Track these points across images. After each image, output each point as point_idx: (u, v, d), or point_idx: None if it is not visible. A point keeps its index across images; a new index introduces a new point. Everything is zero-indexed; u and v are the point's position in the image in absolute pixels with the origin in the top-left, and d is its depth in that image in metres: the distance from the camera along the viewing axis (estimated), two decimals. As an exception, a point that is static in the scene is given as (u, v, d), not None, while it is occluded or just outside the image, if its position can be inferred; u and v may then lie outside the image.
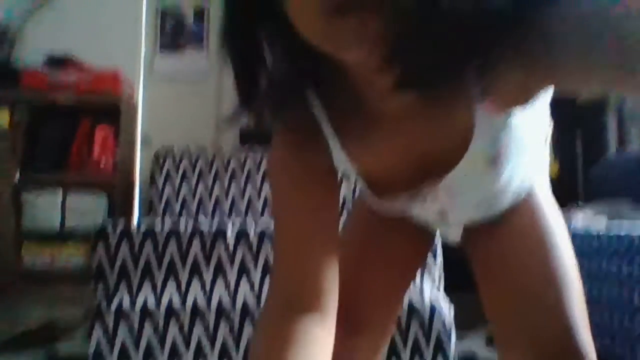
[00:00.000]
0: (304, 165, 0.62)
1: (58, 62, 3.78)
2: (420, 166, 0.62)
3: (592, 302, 1.78)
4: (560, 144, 3.39)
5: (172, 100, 4.19)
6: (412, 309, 1.55)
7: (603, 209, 2.25)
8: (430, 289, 1.59)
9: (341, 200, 2.16)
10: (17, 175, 3.52)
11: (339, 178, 0.68)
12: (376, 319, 0.79)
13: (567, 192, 3.34)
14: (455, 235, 0.79)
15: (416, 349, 1.53)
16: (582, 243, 1.84)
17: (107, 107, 3.69)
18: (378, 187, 0.67)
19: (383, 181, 0.66)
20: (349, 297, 0.67)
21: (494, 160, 0.60)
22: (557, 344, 0.64)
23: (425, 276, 1.60)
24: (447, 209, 0.69)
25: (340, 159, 0.63)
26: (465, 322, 1.83)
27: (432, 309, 1.56)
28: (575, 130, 3.49)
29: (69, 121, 3.78)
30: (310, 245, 0.62)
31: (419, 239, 0.83)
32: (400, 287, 0.83)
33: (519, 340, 0.67)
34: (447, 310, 1.57)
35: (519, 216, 0.72)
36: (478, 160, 0.59)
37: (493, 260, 0.74)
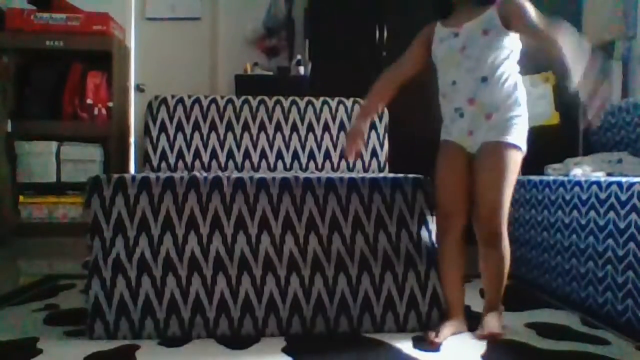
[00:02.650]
0: (421, 38, 1.68)
1: (43, 1, 3.60)
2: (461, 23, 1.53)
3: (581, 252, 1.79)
4: (562, 93, 3.33)
5: (165, 45, 4.06)
6: (409, 262, 1.56)
7: (601, 165, 2.22)
8: (427, 241, 1.59)
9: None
10: (9, 124, 3.46)
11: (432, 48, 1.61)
12: (458, 208, 1.53)
13: (566, 143, 3.32)
14: (473, 148, 1.51)
15: (412, 302, 1.55)
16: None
17: (98, 52, 3.58)
18: (448, 25, 1.57)
19: (452, 24, 1.56)
20: (443, 198, 1.55)
21: (486, 31, 1.47)
22: (488, 213, 1.47)
23: (423, 230, 1.60)
24: (465, 45, 1.51)
25: (441, 30, 1.58)
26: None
27: (429, 263, 1.57)
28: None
29: (59, 67, 3.67)
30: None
31: (468, 161, 1.54)
32: (467, 191, 1.53)
33: (475, 211, 1.51)
34: (443, 263, 1.58)
35: (494, 152, 1.47)
36: (479, 25, 1.48)
37: (477, 172, 1.50)
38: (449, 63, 1.53)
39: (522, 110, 1.50)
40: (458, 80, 1.51)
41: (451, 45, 1.52)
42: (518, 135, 1.48)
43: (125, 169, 3.90)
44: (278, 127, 2.34)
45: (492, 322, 1.51)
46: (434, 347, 1.42)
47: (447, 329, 1.49)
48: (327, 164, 2.34)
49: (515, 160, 1.48)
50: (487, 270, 1.55)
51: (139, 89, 4.06)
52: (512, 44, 1.49)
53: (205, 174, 1.58)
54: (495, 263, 1.53)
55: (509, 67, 1.49)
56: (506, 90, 1.48)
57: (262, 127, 2.35)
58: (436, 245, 1.59)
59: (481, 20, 1.47)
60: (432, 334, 1.46)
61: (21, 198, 3.54)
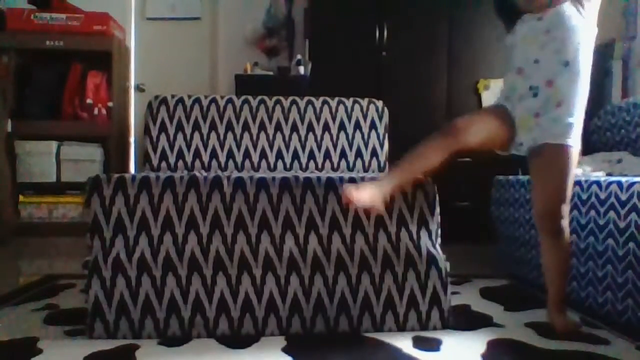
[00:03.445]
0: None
1: (43, 1, 3.60)
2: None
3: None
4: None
5: (165, 45, 4.06)
6: (409, 261, 1.56)
7: (601, 165, 2.22)
8: (427, 243, 1.59)
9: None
10: (9, 123, 3.46)
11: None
12: (474, 136, 1.50)
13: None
14: (527, 139, 1.55)
15: (412, 301, 1.55)
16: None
17: (98, 52, 3.58)
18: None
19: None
20: (472, 119, 1.55)
21: (570, 16, 1.51)
22: (554, 207, 1.53)
23: (423, 230, 1.60)
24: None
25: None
26: (460, 275, 1.85)
27: (429, 262, 1.57)
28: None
29: (59, 67, 3.67)
30: None
31: (507, 134, 1.58)
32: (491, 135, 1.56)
33: (540, 207, 1.59)
34: (443, 263, 1.58)
35: (558, 154, 1.52)
36: (562, 10, 1.51)
37: (540, 169, 1.57)
38: (532, 42, 1.53)
39: (583, 107, 1.56)
40: (541, 60, 1.50)
41: (534, 27, 1.53)
42: (577, 136, 1.54)
43: (125, 169, 3.90)
44: (278, 127, 2.34)
45: (559, 320, 1.58)
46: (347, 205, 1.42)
47: (367, 190, 1.41)
48: (327, 164, 2.34)
49: (574, 158, 1.54)
50: (553, 262, 1.59)
51: (139, 89, 4.06)
52: (591, 30, 1.52)
53: (205, 174, 1.58)
54: (562, 255, 1.58)
55: (586, 57, 1.52)
56: (581, 82, 1.52)
57: (262, 127, 2.35)
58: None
59: (563, 7, 1.51)
60: (349, 192, 1.39)
61: (21, 198, 3.54)
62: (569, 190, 1.54)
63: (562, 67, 1.49)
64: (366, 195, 1.41)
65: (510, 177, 2.43)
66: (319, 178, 1.57)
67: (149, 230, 1.51)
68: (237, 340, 1.46)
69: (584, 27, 1.51)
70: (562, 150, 1.52)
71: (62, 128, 3.62)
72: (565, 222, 1.55)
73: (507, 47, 1.63)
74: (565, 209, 1.55)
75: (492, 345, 1.44)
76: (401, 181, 1.51)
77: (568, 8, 1.51)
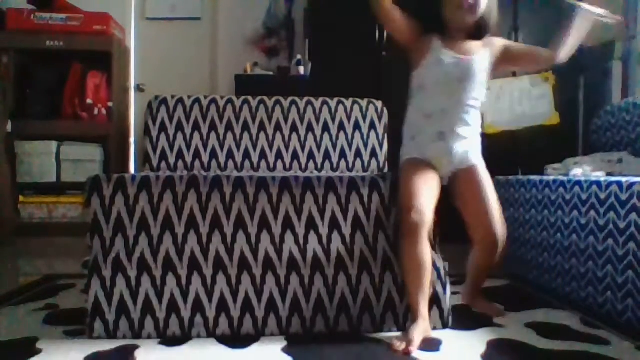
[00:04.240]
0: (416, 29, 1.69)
1: (43, 1, 3.60)
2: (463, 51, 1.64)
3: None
4: (562, 92, 3.33)
5: (165, 45, 4.06)
6: (408, 261, 1.55)
7: (601, 165, 2.22)
8: (427, 242, 1.59)
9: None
10: (9, 124, 3.46)
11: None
12: (430, 208, 1.51)
13: (566, 143, 3.32)
14: (446, 172, 1.65)
15: (412, 301, 1.55)
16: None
17: (98, 52, 3.58)
18: (448, 47, 1.63)
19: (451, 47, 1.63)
20: (419, 196, 1.50)
21: (483, 70, 1.65)
22: (487, 229, 1.59)
23: (423, 230, 1.59)
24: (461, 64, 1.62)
25: (440, 50, 1.62)
26: (460, 275, 1.85)
27: (429, 262, 1.57)
28: (578, 77, 3.41)
29: (59, 67, 3.67)
30: None
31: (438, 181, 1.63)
32: (435, 194, 1.58)
33: (476, 230, 1.63)
34: (441, 264, 1.58)
35: (474, 172, 1.64)
36: (481, 61, 1.64)
37: (466, 192, 1.64)
38: (444, 90, 1.61)
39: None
40: (449, 109, 1.61)
41: (449, 72, 1.61)
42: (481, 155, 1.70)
43: (125, 169, 3.90)
44: (278, 127, 2.34)
45: (482, 302, 1.79)
46: (408, 355, 1.36)
47: (417, 335, 1.42)
48: (327, 164, 2.34)
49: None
50: (484, 270, 1.74)
51: (139, 89, 4.06)
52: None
53: (205, 174, 1.58)
54: (492, 267, 1.72)
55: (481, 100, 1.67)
56: (478, 119, 1.67)
57: (261, 127, 2.34)
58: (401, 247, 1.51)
59: (482, 56, 1.64)
60: (401, 344, 1.38)
61: (21, 198, 3.54)
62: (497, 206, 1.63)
63: (466, 114, 1.61)
64: (418, 340, 1.41)
65: (510, 177, 2.43)
66: (319, 178, 1.57)
67: (149, 230, 1.50)
68: (237, 340, 1.46)
69: (486, 80, 1.66)
70: (481, 169, 1.66)
71: (62, 128, 3.62)
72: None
73: (414, 81, 1.70)
74: (503, 226, 1.62)
75: (492, 345, 1.44)
76: (425, 295, 1.49)
77: (486, 60, 1.65)
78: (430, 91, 1.63)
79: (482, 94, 1.65)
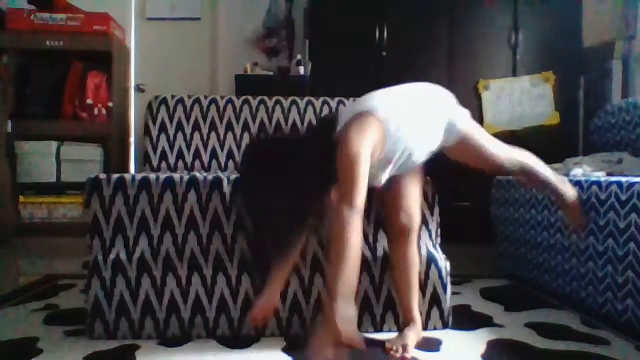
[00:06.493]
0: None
1: (43, 1, 3.60)
2: None
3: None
4: (562, 92, 3.33)
5: (165, 45, 4.06)
6: (408, 261, 1.55)
7: (601, 165, 2.22)
8: (427, 244, 1.59)
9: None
10: (9, 123, 3.46)
11: None
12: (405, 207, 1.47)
13: (566, 143, 3.32)
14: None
15: (412, 301, 1.55)
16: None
17: (98, 52, 3.57)
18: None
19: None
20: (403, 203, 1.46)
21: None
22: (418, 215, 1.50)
23: (422, 230, 1.60)
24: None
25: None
26: (460, 275, 1.85)
27: (429, 263, 1.57)
28: (578, 77, 3.41)
29: (59, 67, 3.67)
30: None
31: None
32: (413, 193, 1.50)
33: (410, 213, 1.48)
34: (443, 263, 1.58)
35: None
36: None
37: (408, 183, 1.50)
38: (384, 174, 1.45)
39: None
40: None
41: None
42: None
43: (125, 169, 3.90)
44: (278, 127, 2.34)
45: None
46: None
47: (411, 339, 1.42)
48: (327, 164, 2.34)
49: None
50: (412, 270, 1.50)
51: (139, 89, 4.05)
52: None
53: (205, 174, 1.58)
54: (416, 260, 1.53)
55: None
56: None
57: (262, 127, 2.34)
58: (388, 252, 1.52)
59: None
60: (397, 350, 1.38)
61: (21, 198, 3.54)
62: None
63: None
64: (413, 344, 1.41)
65: (510, 177, 2.43)
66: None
67: (148, 230, 1.50)
68: (237, 340, 1.46)
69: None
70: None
71: (62, 128, 3.61)
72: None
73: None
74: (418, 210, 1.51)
75: (492, 345, 1.44)
76: (416, 297, 1.50)
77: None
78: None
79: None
